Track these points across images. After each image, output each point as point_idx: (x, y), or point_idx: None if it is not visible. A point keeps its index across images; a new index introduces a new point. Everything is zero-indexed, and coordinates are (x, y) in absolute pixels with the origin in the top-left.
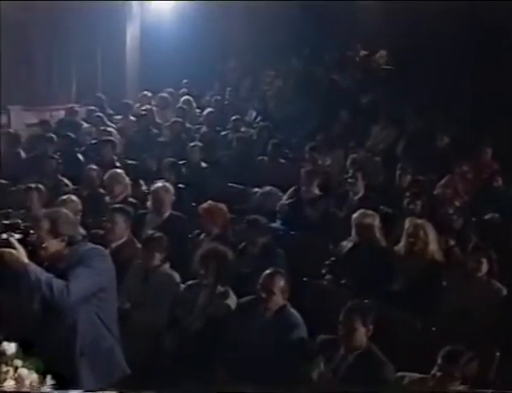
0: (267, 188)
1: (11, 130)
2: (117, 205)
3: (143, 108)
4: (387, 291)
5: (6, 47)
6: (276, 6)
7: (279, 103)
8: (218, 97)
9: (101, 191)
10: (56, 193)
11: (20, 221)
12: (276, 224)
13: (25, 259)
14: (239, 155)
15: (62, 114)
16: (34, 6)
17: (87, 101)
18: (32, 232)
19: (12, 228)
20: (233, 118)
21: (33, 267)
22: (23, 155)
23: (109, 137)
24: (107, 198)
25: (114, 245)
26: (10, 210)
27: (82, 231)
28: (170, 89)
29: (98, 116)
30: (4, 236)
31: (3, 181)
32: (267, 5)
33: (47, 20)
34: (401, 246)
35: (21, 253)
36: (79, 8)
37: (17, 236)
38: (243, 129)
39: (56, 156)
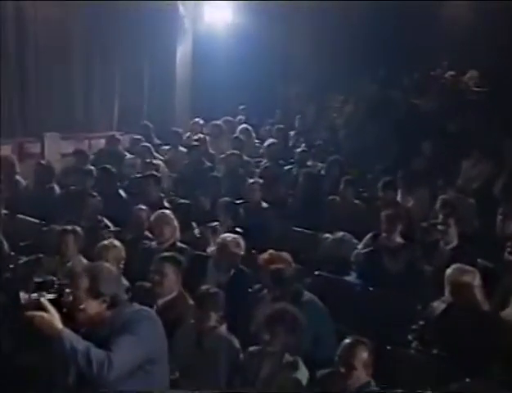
0: (340, 234)
1: (43, 162)
2: (167, 254)
3: (195, 137)
4: (491, 370)
5: (42, 68)
6: (343, 21)
7: (350, 132)
8: (281, 126)
9: (147, 234)
10: (95, 237)
11: (53, 278)
12: (351, 278)
13: (59, 324)
14: (305, 194)
15: (102, 143)
16: (72, 21)
17: (130, 129)
18: (68, 290)
19: (45, 287)
20: (298, 150)
21: (67, 333)
22: (57, 190)
23: (153, 172)
24: (154, 243)
25: (161, 301)
26: (41, 255)
27: (125, 282)
28: (226, 117)
29: (144, 146)
30: (35, 296)
31: (34, 220)
32: (334, 20)
33: (85, 37)
34: (509, 312)
35: (54, 316)
36: (124, 22)
37: (50, 296)
38: (310, 163)
39: (94, 193)
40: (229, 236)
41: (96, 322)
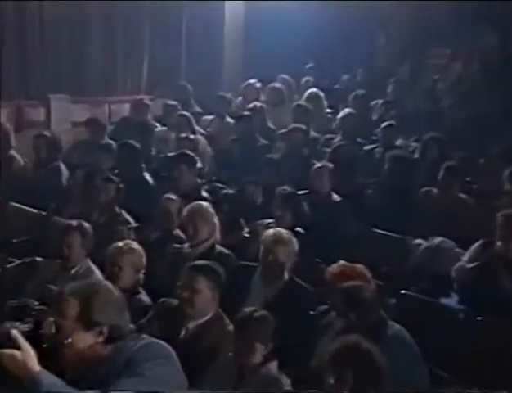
0: (437, 240)
1: (47, 133)
2: (201, 262)
3: (248, 106)
4: None
5: (47, 16)
6: None
7: (457, 101)
8: (361, 92)
9: (178, 233)
10: (111, 235)
11: (34, 302)
12: (451, 301)
13: (35, 366)
14: (392, 184)
15: (126, 109)
16: None
17: (164, 93)
18: (49, 319)
19: (19, 314)
20: (384, 125)
21: (47, 377)
22: (63, 170)
23: (186, 151)
24: (186, 246)
25: (192, 325)
26: (38, 258)
27: (145, 299)
28: (286, 76)
29: (180, 115)
30: (6, 327)
31: (32, 210)
32: None
33: None
34: None
35: (29, 355)
36: None
37: (24, 326)
38: (399, 143)
39: (113, 177)
40: (278, 232)
41: (88, 360)
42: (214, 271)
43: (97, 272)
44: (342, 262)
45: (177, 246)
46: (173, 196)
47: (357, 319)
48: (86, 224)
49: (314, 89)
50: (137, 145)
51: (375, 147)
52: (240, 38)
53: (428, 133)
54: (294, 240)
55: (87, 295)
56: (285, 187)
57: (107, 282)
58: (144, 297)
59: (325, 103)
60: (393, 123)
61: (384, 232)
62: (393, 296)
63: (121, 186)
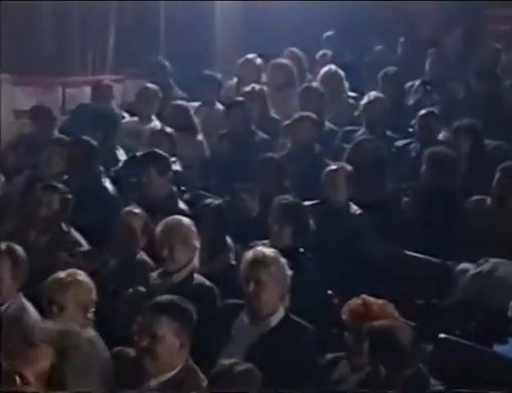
0: (489, 265)
1: None
2: (163, 298)
3: (245, 89)
4: None
5: None
6: None
7: None
8: (392, 69)
9: (143, 258)
10: (52, 261)
11: None
12: (507, 349)
13: None
14: (431, 192)
15: (86, 93)
16: None
17: (134, 72)
18: None
19: None
20: (422, 112)
21: None
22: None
23: (155, 150)
24: (154, 275)
25: (155, 382)
26: None
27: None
28: (295, 49)
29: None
30: None
31: None
32: None
33: None
34: None
35: None
36: None
37: None
38: (442, 136)
39: (60, 185)
40: (259, 251)
41: None
42: (182, 310)
43: (32, 311)
44: (363, 296)
45: (143, 275)
46: (136, 210)
47: (388, 373)
48: (18, 248)
49: (332, 66)
50: (93, 142)
51: (410, 143)
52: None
53: (480, 123)
54: (283, 261)
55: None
56: (286, 196)
57: None
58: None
59: (346, 85)
60: (434, 110)
61: (419, 255)
62: (430, 341)
63: (68, 196)
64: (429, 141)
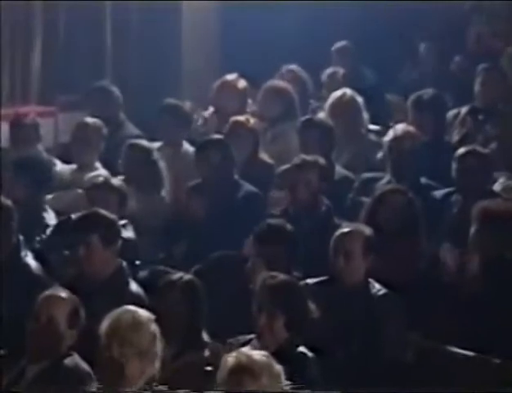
0: None
1: None
2: None
3: (224, 123)
4: None
5: None
6: None
7: None
8: (427, 94)
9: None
10: None
11: None
12: None
13: None
14: (486, 263)
15: (4, 131)
16: None
17: (69, 100)
18: None
19: None
20: (462, 151)
21: None
22: None
23: (97, 210)
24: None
25: None
26: None
27: None
28: (295, 67)
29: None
30: None
31: None
32: None
33: None
34: None
35: None
36: None
37: None
38: (499, 186)
39: None
40: (245, 355)
41: None
42: None
43: None
44: None
45: (78, 386)
46: (60, 293)
47: None
48: None
49: (347, 91)
50: (6, 202)
51: (452, 193)
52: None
53: None
54: (278, 369)
55: None
56: (274, 274)
57: None
58: None
59: (366, 116)
60: (477, 149)
61: (469, 353)
62: None
63: None
64: (477, 192)
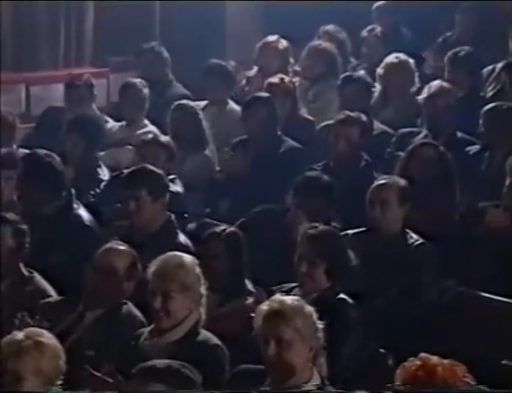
0: None
1: None
2: (158, 363)
3: (269, 80)
4: None
5: None
6: None
7: None
8: (463, 51)
9: (130, 311)
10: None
11: None
12: None
13: None
14: None
15: (58, 92)
16: None
17: (122, 63)
18: None
19: None
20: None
21: None
22: None
23: (148, 167)
24: (145, 332)
25: None
26: None
27: None
28: (334, 27)
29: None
30: None
31: None
32: None
33: None
34: None
35: None
36: None
37: None
38: None
39: (14, 217)
40: (278, 300)
41: None
42: (181, 377)
43: None
44: (424, 355)
45: (130, 333)
46: (120, 246)
47: None
48: None
49: (399, 56)
50: (53, 157)
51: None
52: None
53: None
54: (309, 310)
55: None
56: (315, 224)
57: None
58: None
59: (415, 74)
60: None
61: (502, 299)
62: None
63: (23, 227)
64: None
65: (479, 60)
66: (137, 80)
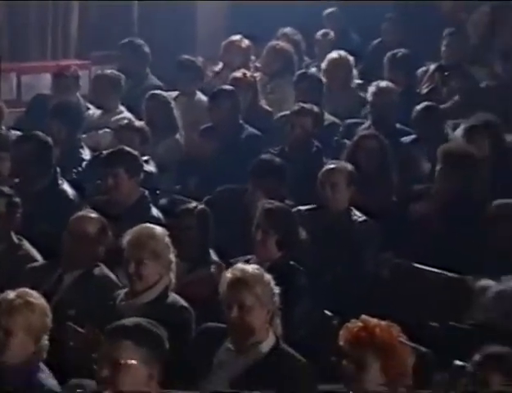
0: None
1: None
2: (128, 321)
3: (234, 75)
4: None
5: None
6: None
7: None
8: (400, 53)
9: (103, 272)
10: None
11: None
12: None
13: None
14: (447, 195)
15: (46, 82)
16: None
17: (104, 56)
18: None
19: None
20: (422, 106)
21: None
22: None
23: (124, 148)
24: (121, 293)
25: None
26: None
27: (49, 381)
28: (290, 30)
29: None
30: None
31: None
32: None
33: None
34: None
35: None
36: None
37: None
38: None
39: (7, 190)
40: (240, 268)
41: None
42: (150, 334)
43: None
44: (364, 317)
45: (104, 293)
46: (91, 214)
47: None
48: None
49: (341, 53)
50: (46, 138)
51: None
52: None
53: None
54: (268, 278)
55: None
56: (271, 200)
57: None
58: (46, 379)
59: (354, 71)
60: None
61: (432, 269)
62: (444, 369)
63: (16, 200)
64: (440, 137)
65: (415, 61)
66: (109, 71)
